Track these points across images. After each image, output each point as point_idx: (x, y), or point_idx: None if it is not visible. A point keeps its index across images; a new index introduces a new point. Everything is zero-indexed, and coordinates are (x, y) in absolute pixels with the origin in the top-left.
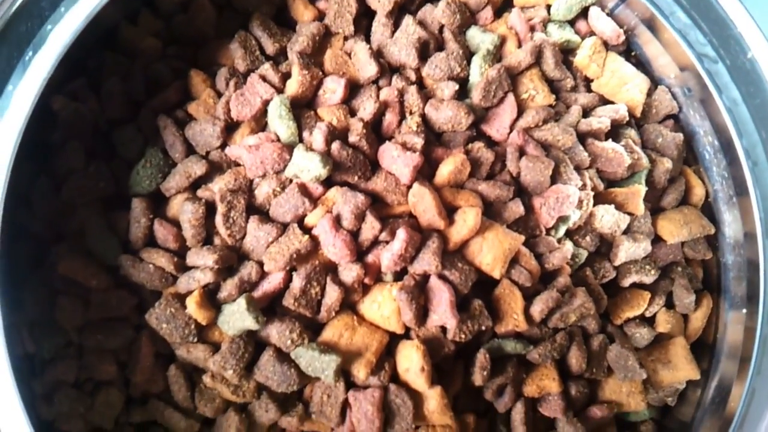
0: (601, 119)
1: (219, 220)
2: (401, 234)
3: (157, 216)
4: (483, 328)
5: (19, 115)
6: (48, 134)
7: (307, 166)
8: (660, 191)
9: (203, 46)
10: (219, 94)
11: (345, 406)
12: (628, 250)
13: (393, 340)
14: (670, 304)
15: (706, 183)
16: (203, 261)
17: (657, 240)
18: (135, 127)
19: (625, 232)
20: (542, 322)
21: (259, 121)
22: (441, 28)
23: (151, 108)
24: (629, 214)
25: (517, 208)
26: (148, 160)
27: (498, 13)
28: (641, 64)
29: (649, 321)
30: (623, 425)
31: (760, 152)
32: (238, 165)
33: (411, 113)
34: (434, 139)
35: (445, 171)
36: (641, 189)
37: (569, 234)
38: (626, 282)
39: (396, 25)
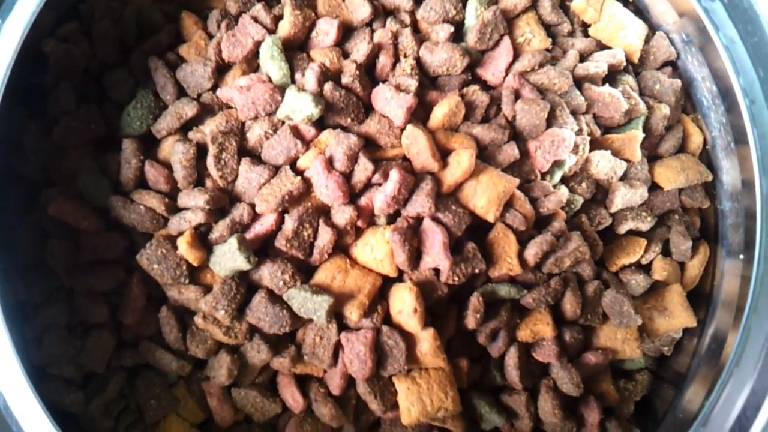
0: (598, 64)
1: (210, 161)
2: (394, 175)
3: (148, 158)
4: (476, 271)
5: (8, 49)
6: (39, 79)
7: (299, 106)
8: (657, 138)
9: None
10: (210, 37)
11: (337, 347)
12: (624, 197)
13: (386, 284)
14: (666, 252)
15: (704, 130)
16: (194, 202)
17: (654, 188)
18: (126, 70)
19: (621, 179)
20: (536, 267)
21: (251, 63)
22: None
23: (142, 51)
24: (626, 160)
25: (512, 151)
26: (138, 102)
27: None
28: (639, 11)
29: (645, 268)
30: (619, 374)
31: (758, 90)
32: (230, 107)
33: (405, 56)
34: (429, 83)
35: (439, 113)
36: (638, 135)
37: (565, 180)
38: (622, 229)
39: None
